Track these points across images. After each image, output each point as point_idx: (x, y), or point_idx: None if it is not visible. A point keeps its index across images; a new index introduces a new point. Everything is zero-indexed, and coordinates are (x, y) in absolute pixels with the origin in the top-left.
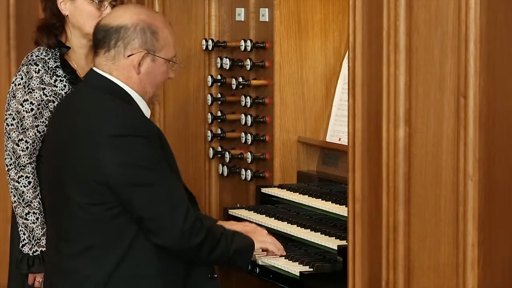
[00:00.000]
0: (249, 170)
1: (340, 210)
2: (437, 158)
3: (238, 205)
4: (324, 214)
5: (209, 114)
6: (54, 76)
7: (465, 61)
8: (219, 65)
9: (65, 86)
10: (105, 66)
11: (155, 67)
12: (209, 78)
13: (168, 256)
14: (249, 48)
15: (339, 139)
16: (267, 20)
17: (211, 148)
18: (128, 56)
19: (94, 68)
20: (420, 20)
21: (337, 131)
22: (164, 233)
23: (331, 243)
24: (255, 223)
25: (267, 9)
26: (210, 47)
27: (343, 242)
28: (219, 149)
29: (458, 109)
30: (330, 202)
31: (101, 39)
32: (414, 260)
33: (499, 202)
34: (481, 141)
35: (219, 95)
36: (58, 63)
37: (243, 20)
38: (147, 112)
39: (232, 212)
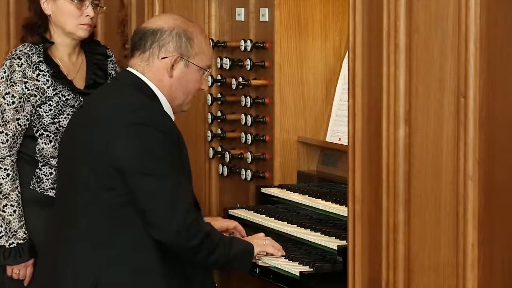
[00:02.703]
0: (249, 170)
1: (340, 210)
2: (437, 158)
3: (238, 205)
4: (324, 214)
5: (209, 114)
6: (37, 71)
7: (465, 61)
8: (219, 65)
9: (47, 80)
10: (139, 67)
11: (188, 73)
12: (209, 78)
13: (172, 254)
14: (249, 48)
15: (339, 139)
16: (267, 20)
17: (211, 148)
18: (162, 58)
19: (128, 68)
20: (420, 20)
21: (337, 131)
22: (160, 227)
23: (331, 243)
24: (255, 223)
25: (267, 9)
26: None
27: (343, 242)
28: (219, 149)
29: (458, 109)
30: (330, 202)
31: (138, 41)
32: (414, 260)
33: (499, 202)
34: (481, 141)
35: (219, 95)
36: (42, 58)
37: (243, 20)
38: (171, 117)
39: (232, 212)
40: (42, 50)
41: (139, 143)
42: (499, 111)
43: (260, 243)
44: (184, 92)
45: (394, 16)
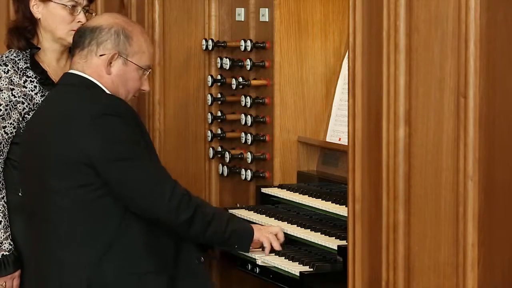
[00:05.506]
0: (249, 170)
1: (340, 210)
2: (437, 158)
3: (238, 205)
4: (324, 214)
5: (209, 114)
6: (24, 77)
7: (465, 61)
8: (219, 65)
9: (35, 87)
10: (79, 65)
11: (127, 71)
12: (209, 78)
13: (156, 239)
14: (249, 48)
15: (339, 139)
16: (267, 20)
17: (211, 148)
18: (100, 55)
19: (69, 71)
20: (420, 20)
21: (337, 131)
22: (151, 207)
23: (331, 243)
24: (255, 223)
25: (267, 9)
26: (210, 47)
27: (343, 242)
28: (219, 149)
29: (458, 109)
30: (330, 202)
31: (77, 39)
32: (414, 260)
33: (499, 202)
34: (481, 141)
35: (219, 95)
36: (29, 64)
37: (243, 20)
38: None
39: (232, 212)
40: (29, 56)
41: (105, 134)
42: (499, 111)
43: (262, 234)
44: (125, 89)
45: (394, 16)
